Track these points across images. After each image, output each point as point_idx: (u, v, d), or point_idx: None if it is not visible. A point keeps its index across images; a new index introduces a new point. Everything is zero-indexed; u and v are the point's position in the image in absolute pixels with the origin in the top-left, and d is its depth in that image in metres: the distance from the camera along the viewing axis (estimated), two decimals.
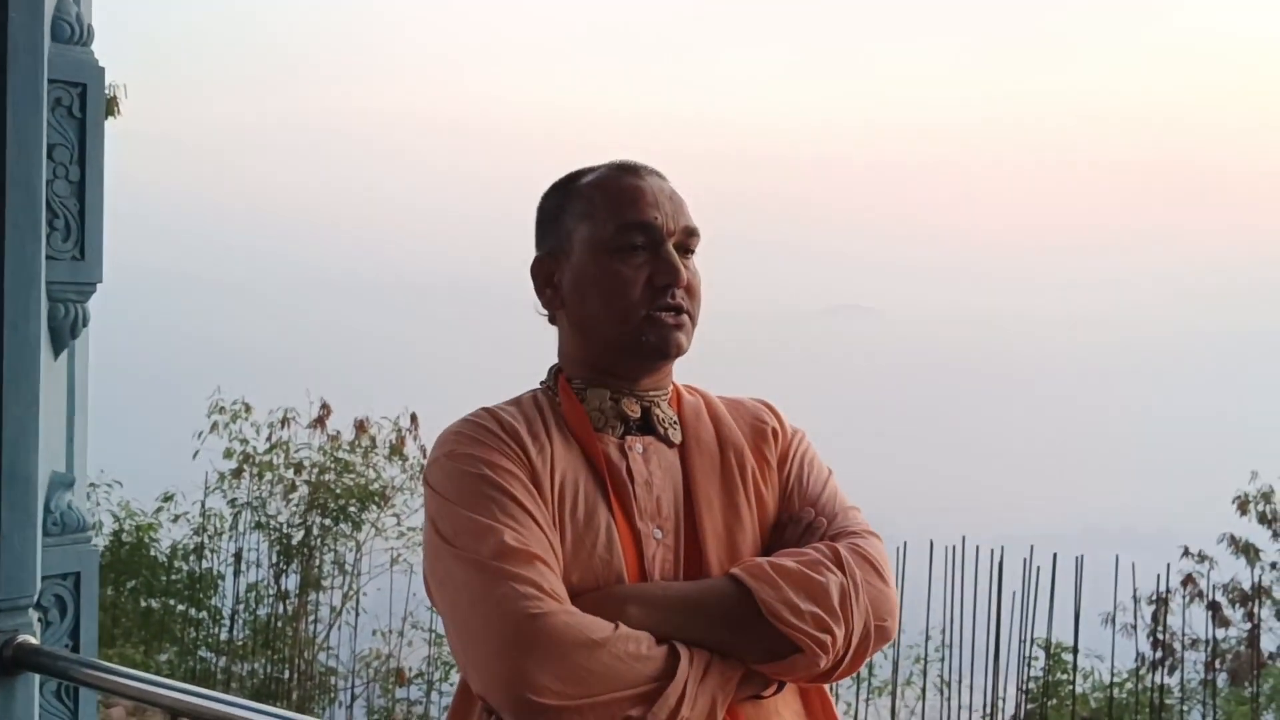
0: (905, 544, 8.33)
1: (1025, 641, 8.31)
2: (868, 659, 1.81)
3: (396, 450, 8.87)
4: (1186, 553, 9.76)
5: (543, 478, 1.75)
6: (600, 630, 1.63)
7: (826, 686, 1.87)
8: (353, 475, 8.77)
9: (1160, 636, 8.87)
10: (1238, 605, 9.34)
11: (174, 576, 8.99)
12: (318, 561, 8.73)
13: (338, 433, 8.98)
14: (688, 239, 1.87)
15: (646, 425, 1.86)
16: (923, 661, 8.47)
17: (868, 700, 8.46)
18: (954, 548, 8.36)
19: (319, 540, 8.72)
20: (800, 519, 1.87)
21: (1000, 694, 8.22)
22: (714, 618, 1.71)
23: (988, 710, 8.19)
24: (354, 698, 8.79)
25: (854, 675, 8.38)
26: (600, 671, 1.61)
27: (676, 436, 1.87)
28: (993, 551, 8.23)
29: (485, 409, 1.85)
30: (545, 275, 1.90)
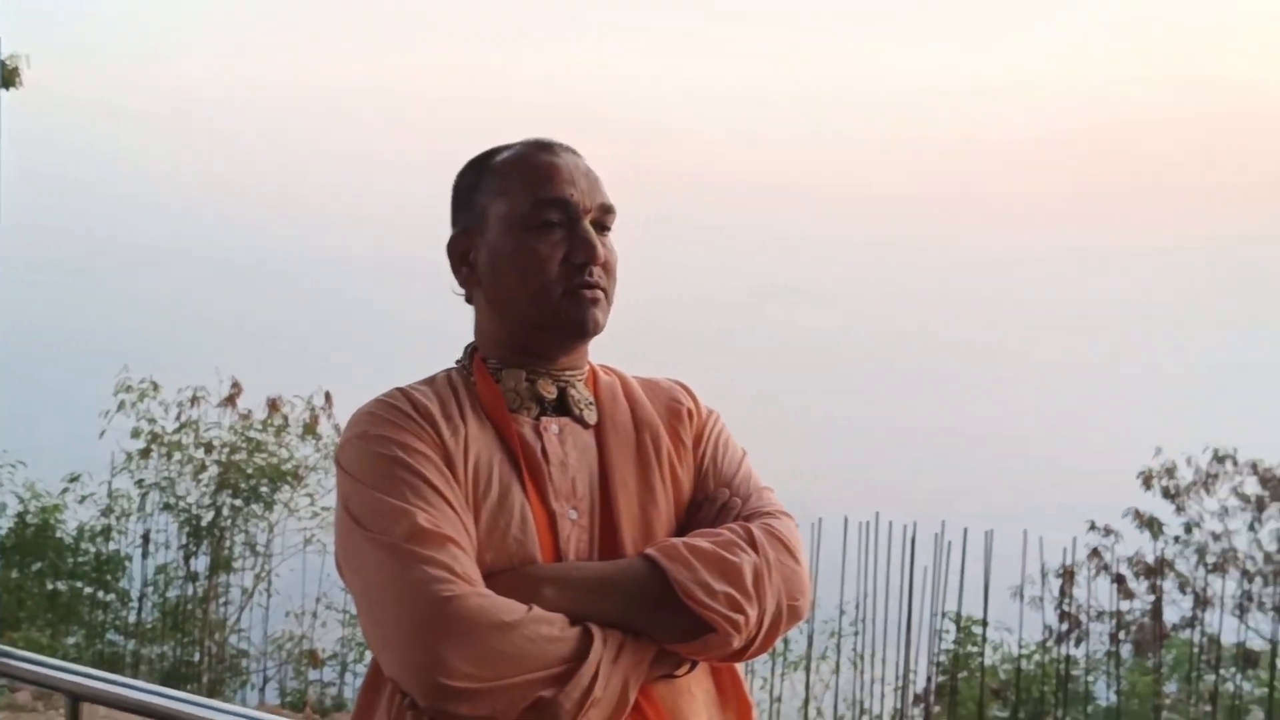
0: (820, 520, 8.41)
1: (936, 615, 8.44)
2: (779, 638, 1.82)
3: (310, 429, 8.77)
4: (1093, 527, 9.97)
5: (456, 459, 1.74)
6: (513, 612, 1.63)
7: (738, 665, 1.88)
8: (264, 455, 8.65)
9: (1067, 609, 9.04)
10: (1141, 578, 9.56)
11: (81, 558, 8.82)
12: (228, 543, 8.61)
13: (249, 412, 8.85)
14: (604, 216, 1.87)
15: (562, 406, 1.86)
16: (837, 636, 8.57)
17: (783, 675, 8.55)
18: (868, 524, 8.47)
19: (230, 521, 8.60)
20: (715, 499, 1.87)
21: (912, 667, 8.34)
22: (628, 598, 1.71)
23: (899, 683, 8.31)
24: (266, 680, 8.70)
25: (770, 651, 8.46)
26: (512, 653, 1.61)
27: (592, 417, 1.87)
28: (905, 528, 8.34)
29: (398, 389, 1.83)
30: (461, 253, 1.89)
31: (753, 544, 1.77)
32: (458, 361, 1.92)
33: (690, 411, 1.95)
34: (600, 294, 1.84)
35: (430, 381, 1.86)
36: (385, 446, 1.73)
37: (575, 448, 1.84)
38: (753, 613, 1.74)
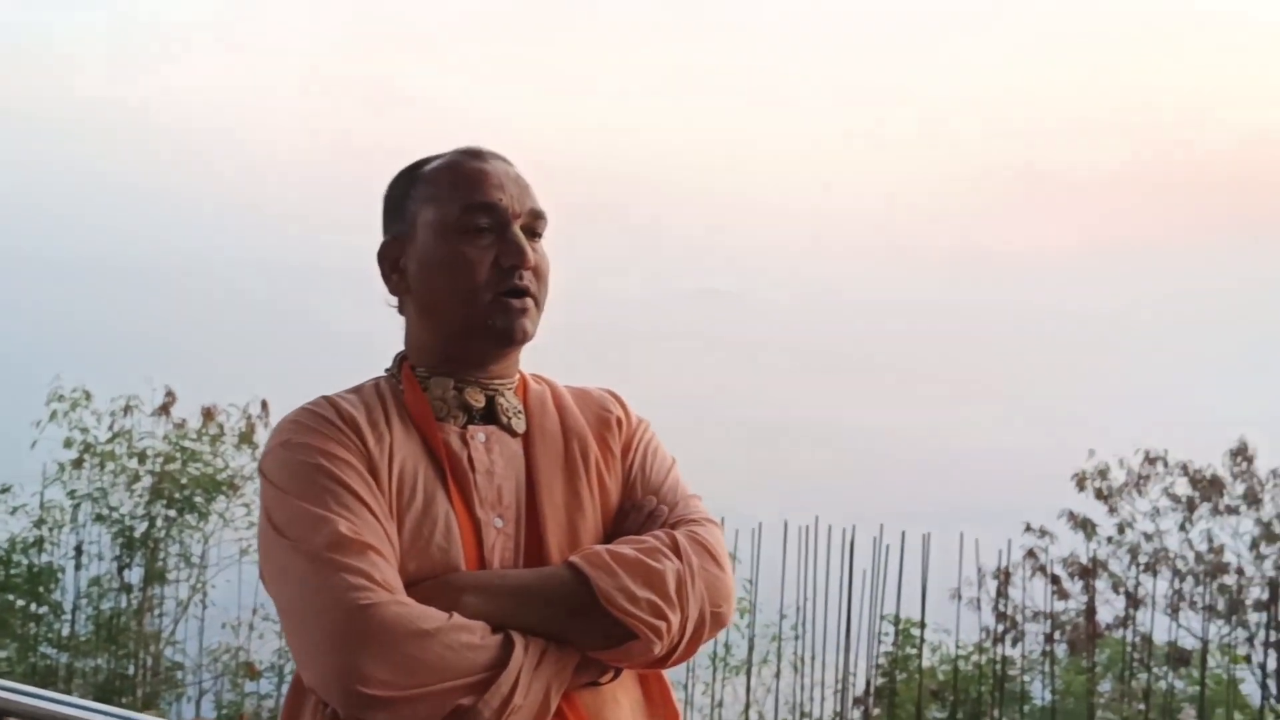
0: (760, 525, 8.44)
1: (875, 618, 8.50)
2: (703, 645, 1.83)
3: (246, 438, 8.67)
4: (1029, 528, 10.10)
5: (380, 467, 1.74)
6: (432, 620, 1.63)
7: (664, 672, 1.88)
8: (199, 464, 8.54)
9: (1003, 610, 9.14)
10: (1076, 578, 9.69)
11: (13, 571, 8.66)
12: (163, 554, 8.50)
13: (184, 421, 8.74)
14: (534, 222, 1.87)
15: (490, 414, 1.86)
16: (778, 641, 8.60)
17: (724, 680, 8.57)
18: (807, 528, 8.50)
19: (164, 532, 8.49)
20: (642, 507, 1.88)
21: (852, 670, 8.39)
22: (551, 605, 1.71)
23: (839, 686, 8.36)
24: (202, 692, 8.59)
25: (713, 656, 8.48)
26: (431, 661, 1.60)
27: (520, 425, 1.87)
28: (844, 531, 8.39)
29: (324, 397, 1.83)
30: (391, 260, 1.89)
31: (676, 551, 1.78)
32: (387, 370, 1.91)
33: (620, 420, 1.95)
34: (529, 301, 1.84)
35: (358, 390, 1.86)
36: (308, 454, 1.73)
37: (502, 456, 1.84)
38: (675, 619, 1.74)
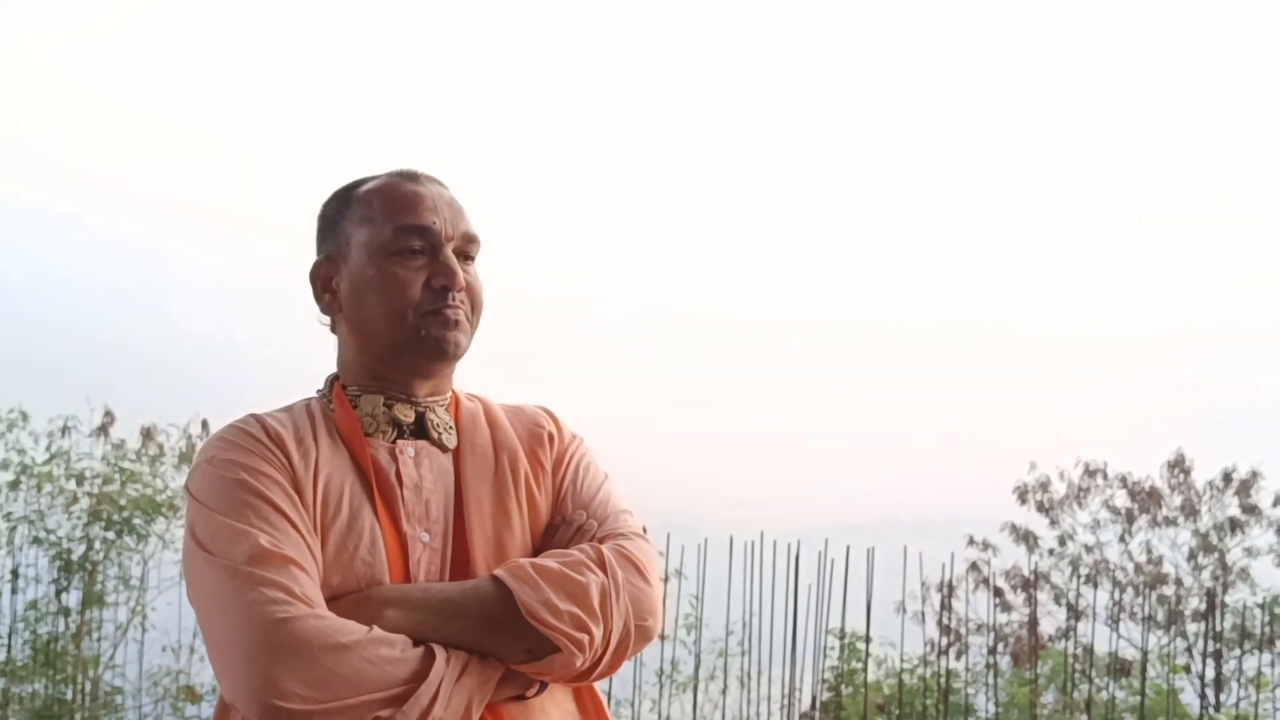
0: (706, 541, 8.45)
1: (821, 632, 8.53)
2: (629, 658, 1.84)
3: (186, 458, 8.57)
4: (972, 541, 10.19)
5: (305, 482, 1.76)
6: (351, 633, 1.63)
7: (601, 686, 1.91)
8: (138, 486, 8.43)
9: (947, 623, 9.21)
10: (1019, 590, 9.78)
11: None
12: (101, 577, 8.37)
13: (123, 441, 8.63)
14: (467, 245, 1.90)
15: (421, 430, 1.88)
16: (725, 656, 8.61)
17: (671, 697, 8.56)
18: (753, 543, 8.53)
19: (102, 554, 8.36)
20: (572, 522, 1.90)
21: (798, 685, 8.42)
22: (473, 618, 1.72)
23: (785, 701, 8.38)
24: (142, 717, 8.47)
25: (659, 672, 8.47)
26: (349, 675, 1.61)
27: (451, 441, 1.89)
28: (789, 545, 8.42)
29: (252, 415, 1.85)
30: (324, 280, 1.91)
31: (601, 564, 1.80)
32: (318, 391, 1.93)
33: (552, 435, 1.98)
34: (461, 316, 1.86)
35: (288, 409, 1.88)
36: (231, 470, 1.74)
37: (431, 471, 1.85)
38: (598, 632, 1.76)
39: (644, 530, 1.99)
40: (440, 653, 1.68)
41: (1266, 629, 9.20)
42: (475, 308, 1.90)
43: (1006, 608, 9.65)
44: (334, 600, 1.70)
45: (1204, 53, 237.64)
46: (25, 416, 8.48)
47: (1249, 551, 10.38)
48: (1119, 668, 8.77)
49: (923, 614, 9.30)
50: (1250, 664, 9.03)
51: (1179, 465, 10.47)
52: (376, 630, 1.66)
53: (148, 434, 8.59)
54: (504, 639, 1.73)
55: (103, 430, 8.54)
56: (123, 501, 8.40)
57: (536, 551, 1.86)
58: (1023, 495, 10.37)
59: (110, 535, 8.37)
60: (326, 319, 1.94)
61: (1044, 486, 10.42)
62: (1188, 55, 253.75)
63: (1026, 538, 10.12)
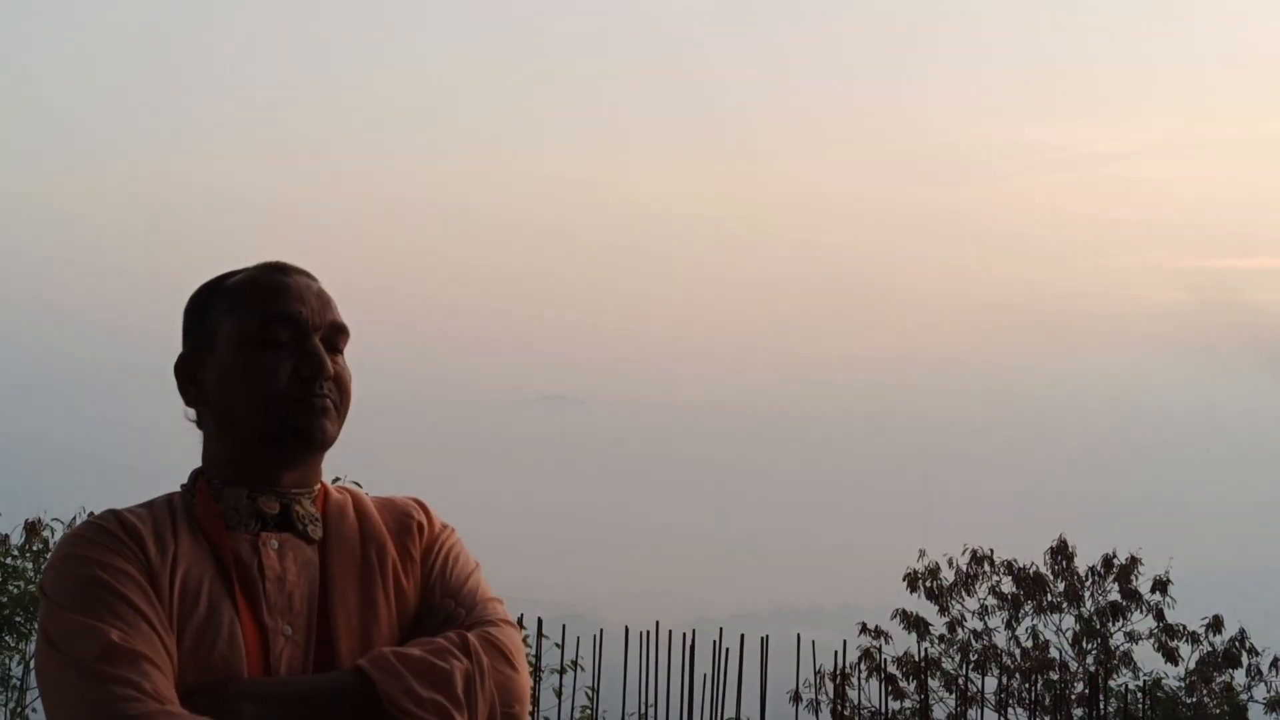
0: (601, 632, 8.44)
1: None
2: None
3: None
4: (864, 629, 10.29)
5: (161, 577, 1.74)
6: None
7: None
8: (21, 583, 8.18)
9: (842, 710, 9.27)
10: (911, 677, 9.89)
11: None
12: None
13: (6, 536, 8.38)
14: (335, 335, 1.91)
15: (286, 522, 1.87)
16: None
17: None
18: (648, 632, 8.54)
19: None
20: (439, 611, 1.90)
21: None
22: (334, 710, 1.71)
23: None
24: None
25: None
26: None
27: (316, 533, 1.88)
28: (685, 635, 8.44)
29: (110, 510, 1.83)
30: (189, 372, 1.90)
31: (466, 651, 1.80)
32: (182, 485, 1.92)
33: (421, 525, 1.97)
34: (329, 404, 1.85)
35: (149, 504, 1.86)
36: (85, 566, 1.72)
37: (296, 563, 1.84)
38: (462, 719, 1.75)
39: (515, 619, 2.03)
40: None
41: (1148, 712, 9.41)
42: (344, 397, 1.89)
43: (899, 695, 9.74)
44: (189, 697, 1.67)
45: None
46: None
47: (1131, 636, 10.62)
48: None
49: (817, 702, 9.36)
50: None
51: (1061, 552, 10.69)
52: None
53: (32, 529, 8.35)
54: None
55: None
56: (3, 599, 8.15)
57: (403, 642, 1.84)
58: (913, 582, 10.51)
59: None
60: (192, 412, 1.93)
61: (933, 573, 10.58)
62: None
63: (917, 624, 10.24)
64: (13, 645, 8.31)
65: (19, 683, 8.38)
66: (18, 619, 8.17)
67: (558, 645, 8.14)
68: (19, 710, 8.34)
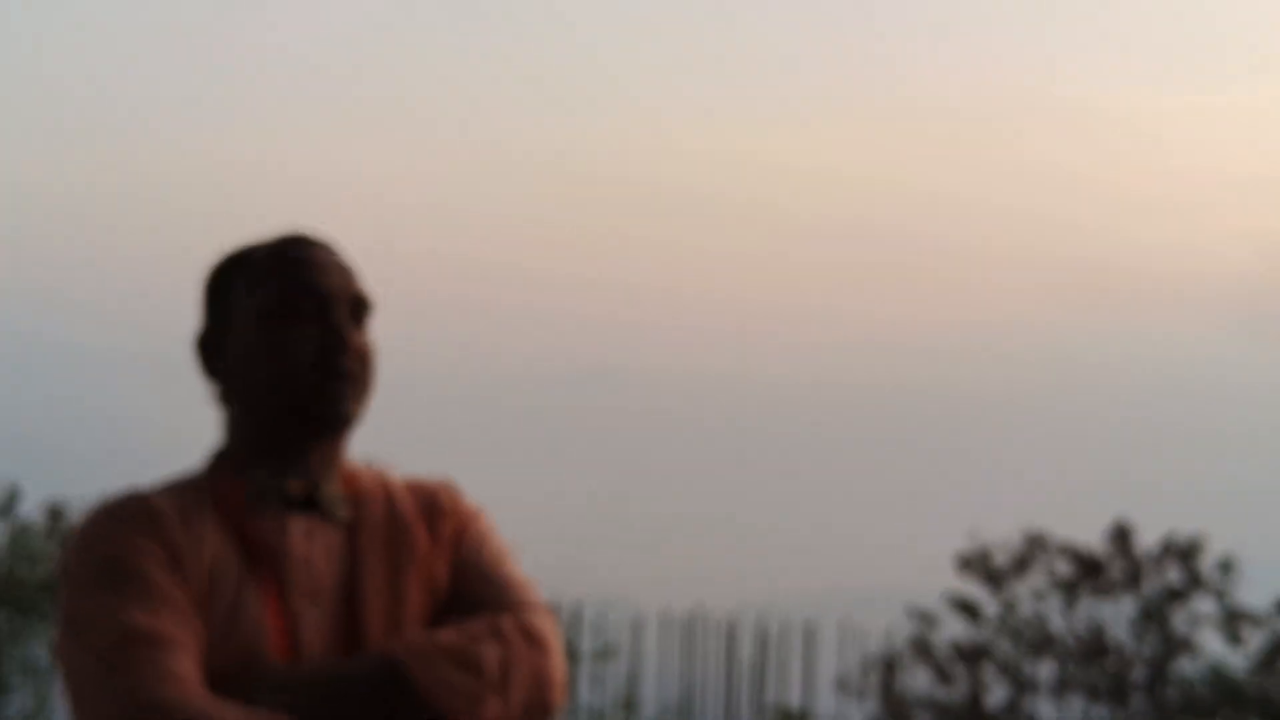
0: (641, 617, 8.32)
1: (761, 709, 8.39)
2: None
3: None
4: (914, 613, 10.04)
5: (186, 558, 1.68)
6: (231, 716, 1.57)
7: None
8: (45, 566, 8.12)
9: (889, 697, 9.06)
10: (962, 663, 9.64)
11: None
12: (4, 662, 8.03)
13: (29, 524, 8.34)
14: (358, 308, 1.86)
15: (311, 504, 1.81)
16: None
17: None
18: (689, 618, 8.40)
19: (6, 639, 8.03)
20: (470, 594, 1.85)
21: None
22: (363, 695, 1.67)
23: None
24: None
25: None
26: None
27: (343, 514, 1.83)
28: (726, 620, 8.29)
29: (132, 491, 1.76)
30: (209, 348, 1.86)
31: (500, 635, 1.76)
32: (204, 464, 1.84)
33: (451, 508, 1.92)
34: (354, 384, 1.81)
35: (171, 483, 1.80)
36: (107, 547, 1.66)
37: (322, 545, 1.79)
38: (495, 707, 1.70)
39: (550, 604, 1.92)
40: None
41: (1212, 699, 9.12)
42: (367, 370, 1.84)
43: (949, 681, 9.50)
44: (215, 681, 1.63)
45: None
46: None
47: (1194, 620, 10.35)
48: None
49: (864, 689, 9.14)
50: None
51: (1121, 533, 10.43)
52: (259, 712, 1.60)
53: (55, 512, 8.30)
54: (397, 716, 1.67)
55: (5, 510, 8.25)
56: (31, 584, 8.11)
57: (433, 626, 1.80)
58: (964, 565, 10.26)
59: (15, 620, 8.06)
60: (213, 390, 1.86)
61: (986, 556, 10.32)
62: None
63: (969, 609, 9.99)
64: (40, 631, 8.28)
65: (47, 668, 8.33)
66: (42, 603, 8.12)
67: (592, 632, 8.02)
68: (46, 694, 8.29)
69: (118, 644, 1.59)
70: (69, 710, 1.64)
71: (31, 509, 8.44)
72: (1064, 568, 10.33)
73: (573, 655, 7.55)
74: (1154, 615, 10.27)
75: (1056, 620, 10.24)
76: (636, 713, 8.32)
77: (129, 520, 1.70)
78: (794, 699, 8.53)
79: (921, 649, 9.49)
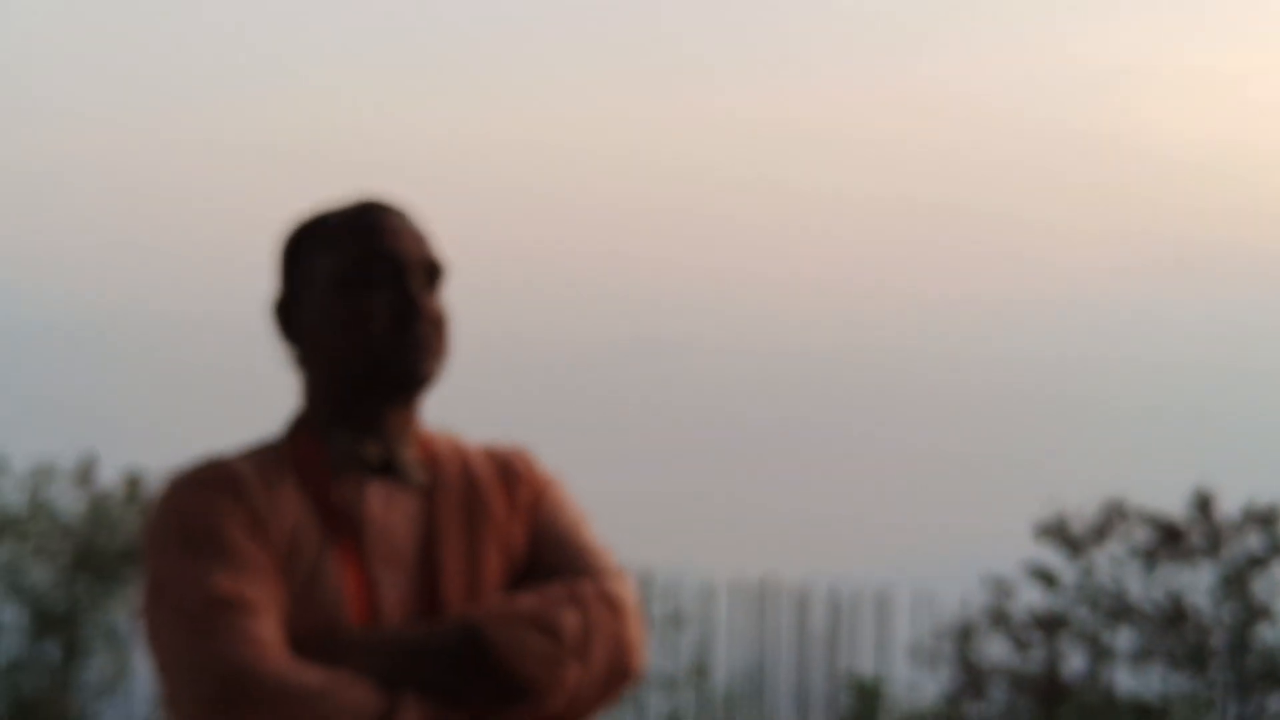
0: (713, 585, 8.28)
1: (834, 678, 8.34)
2: (611, 699, 1.81)
3: None
4: (992, 581, 9.93)
5: (268, 523, 1.70)
6: (314, 680, 1.60)
7: None
8: (123, 534, 8.23)
9: (966, 665, 8.99)
10: (1039, 631, 9.53)
11: None
12: (84, 629, 8.16)
13: (107, 489, 8.43)
14: (432, 273, 1.87)
15: (389, 468, 1.82)
16: (734, 703, 8.41)
17: None
18: (760, 586, 8.36)
19: (86, 606, 8.16)
20: (547, 561, 1.85)
21: None
22: (442, 662, 1.69)
23: None
24: None
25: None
26: None
27: (421, 479, 1.83)
28: (799, 591, 8.24)
29: (213, 455, 1.79)
30: (285, 313, 1.88)
31: (578, 602, 1.77)
32: (282, 429, 1.87)
33: (527, 475, 1.92)
34: (428, 345, 1.82)
35: (249, 448, 1.81)
36: (190, 512, 1.69)
37: (400, 511, 1.80)
38: (574, 672, 1.71)
39: (625, 570, 1.91)
40: (407, 699, 1.64)
41: None
42: (441, 335, 1.85)
43: (1026, 649, 9.40)
44: (296, 646, 1.65)
45: None
46: (3, 462, 8.28)
47: (1273, 587, 10.17)
48: (1143, 711, 8.52)
49: (939, 658, 9.05)
50: (1277, 703, 8.82)
51: (1201, 500, 10.24)
52: (342, 676, 1.62)
53: (131, 481, 8.39)
54: (476, 681, 1.69)
55: (85, 477, 8.34)
56: (109, 552, 8.21)
57: (510, 592, 1.82)
58: (1042, 532, 10.13)
59: (95, 587, 8.17)
60: (289, 354, 1.89)
61: (1063, 523, 10.19)
62: None
63: (1046, 578, 9.87)
64: (119, 598, 8.38)
65: (125, 634, 8.44)
66: (122, 570, 8.23)
67: (663, 599, 8.00)
68: (124, 661, 8.41)
69: (201, 609, 1.61)
70: (154, 674, 1.64)
71: (110, 476, 8.54)
72: (1143, 535, 10.16)
73: (645, 622, 7.56)
74: (1234, 582, 10.09)
75: (1135, 588, 10.08)
76: (708, 680, 8.30)
77: (211, 485, 1.72)
78: (867, 667, 8.45)
79: (998, 617, 9.39)
